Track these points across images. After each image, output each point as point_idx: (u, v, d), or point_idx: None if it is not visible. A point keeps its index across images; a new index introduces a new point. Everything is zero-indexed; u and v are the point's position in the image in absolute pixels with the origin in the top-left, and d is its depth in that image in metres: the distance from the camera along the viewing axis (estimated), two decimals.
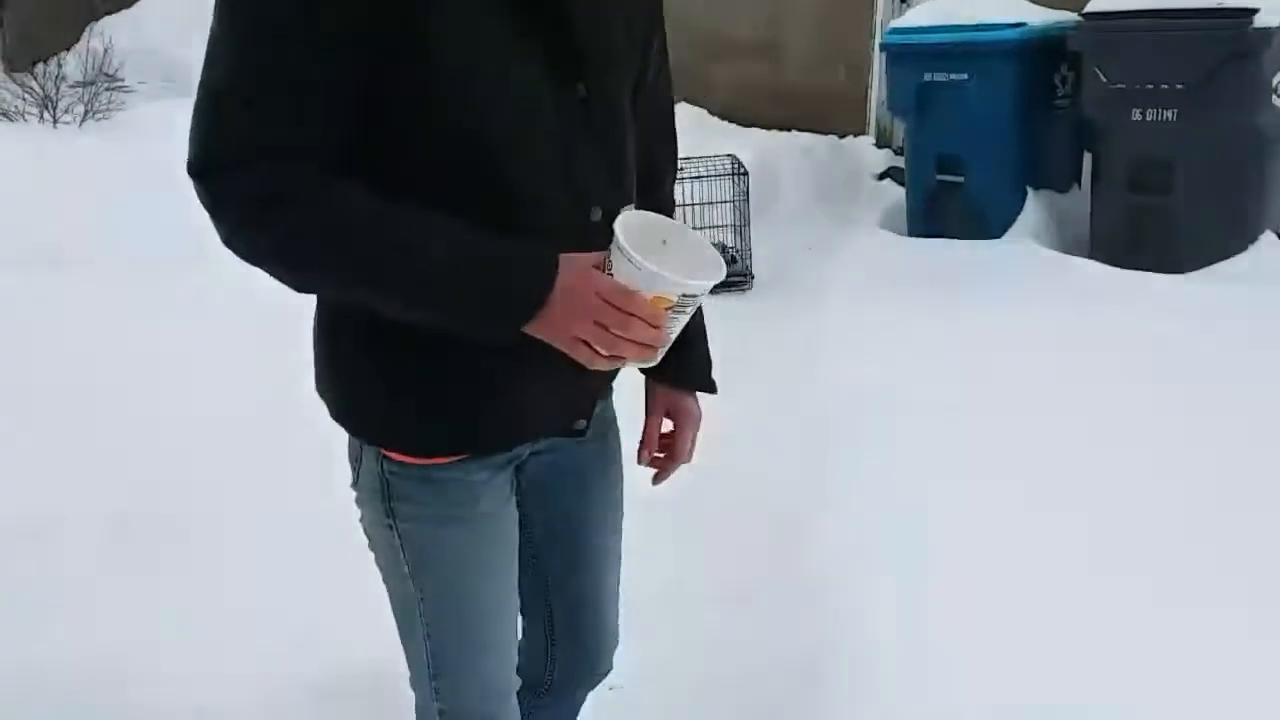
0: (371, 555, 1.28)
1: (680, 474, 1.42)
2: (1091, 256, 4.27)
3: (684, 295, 1.03)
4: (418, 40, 1.02)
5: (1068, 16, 4.36)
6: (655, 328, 1.03)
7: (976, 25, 4.33)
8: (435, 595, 1.26)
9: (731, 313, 4.29)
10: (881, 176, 6.18)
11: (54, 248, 4.32)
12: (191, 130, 1.05)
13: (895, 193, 6.00)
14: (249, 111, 1.02)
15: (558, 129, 1.12)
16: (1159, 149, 3.95)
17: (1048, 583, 2.18)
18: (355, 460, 1.24)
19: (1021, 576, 2.20)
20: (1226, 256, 3.94)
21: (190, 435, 3.01)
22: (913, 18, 4.60)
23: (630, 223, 1.04)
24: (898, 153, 6.30)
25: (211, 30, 1.04)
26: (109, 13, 12.04)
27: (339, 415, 1.23)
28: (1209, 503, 2.42)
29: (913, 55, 4.55)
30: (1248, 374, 3.02)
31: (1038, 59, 4.36)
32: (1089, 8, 4.09)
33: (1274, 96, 3.74)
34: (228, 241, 1.04)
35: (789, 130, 6.47)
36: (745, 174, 4.80)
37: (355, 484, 1.25)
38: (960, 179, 4.61)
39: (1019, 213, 4.52)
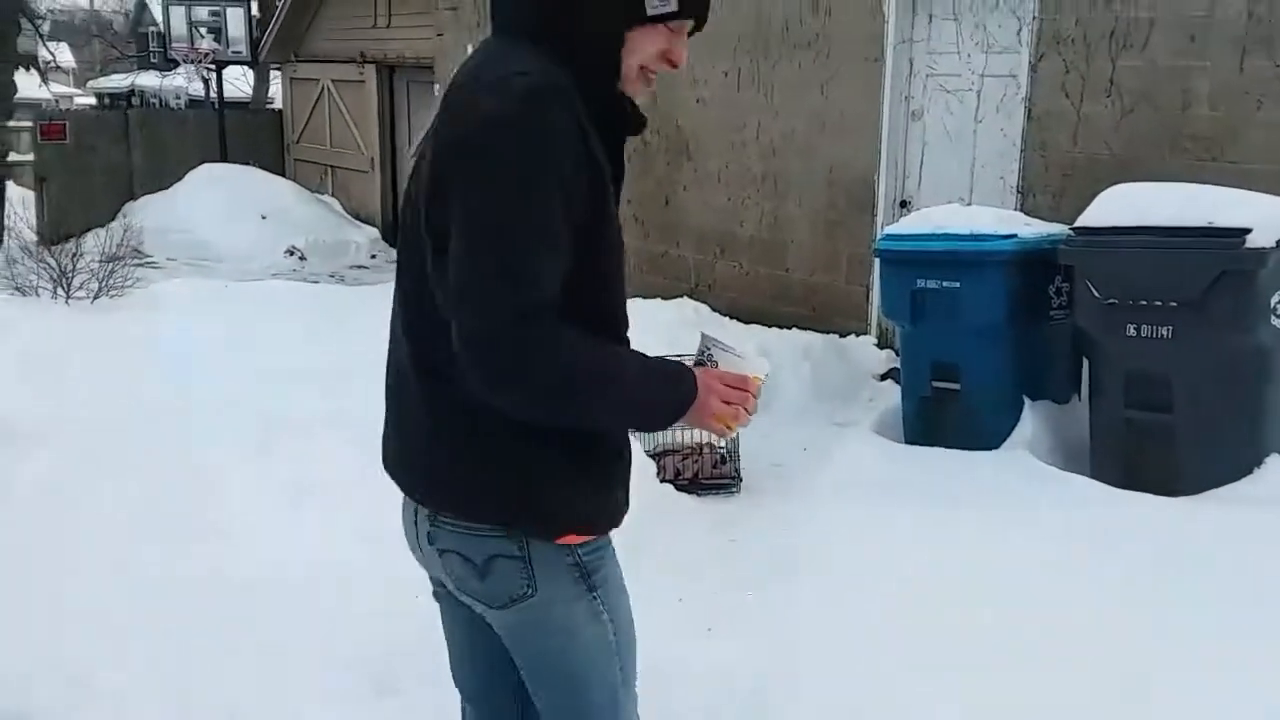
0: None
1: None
2: (1092, 471, 4.09)
3: (767, 374, 1.57)
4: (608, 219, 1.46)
5: (1060, 229, 4.33)
6: (756, 398, 1.52)
7: (969, 235, 4.30)
8: (624, 624, 1.59)
9: (717, 516, 4.16)
10: (884, 377, 6.09)
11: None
12: (481, 297, 1.33)
13: (895, 396, 5.91)
14: (540, 275, 1.35)
15: None
16: (1155, 365, 3.82)
17: None
18: (524, 580, 1.48)
19: None
20: (1231, 479, 3.74)
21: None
22: (906, 225, 4.59)
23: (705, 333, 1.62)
24: (898, 353, 6.24)
25: (481, 209, 1.35)
26: (147, 192, 12.46)
27: (518, 518, 1.47)
28: None
29: (906, 262, 4.52)
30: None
31: (1031, 270, 4.31)
32: (1080, 221, 4.05)
33: (1273, 317, 3.63)
34: (518, 385, 1.35)
35: (791, 328, 6.44)
36: None
37: (529, 596, 1.49)
38: (956, 386, 4.49)
39: (1015, 423, 4.38)
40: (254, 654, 2.80)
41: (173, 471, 3.75)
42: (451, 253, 1.36)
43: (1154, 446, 3.87)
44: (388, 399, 1.58)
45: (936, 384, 4.56)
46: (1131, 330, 3.85)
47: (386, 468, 1.60)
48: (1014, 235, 4.25)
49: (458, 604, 1.60)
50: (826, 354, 6.08)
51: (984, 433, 4.39)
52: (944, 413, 4.55)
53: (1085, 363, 4.52)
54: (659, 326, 6.08)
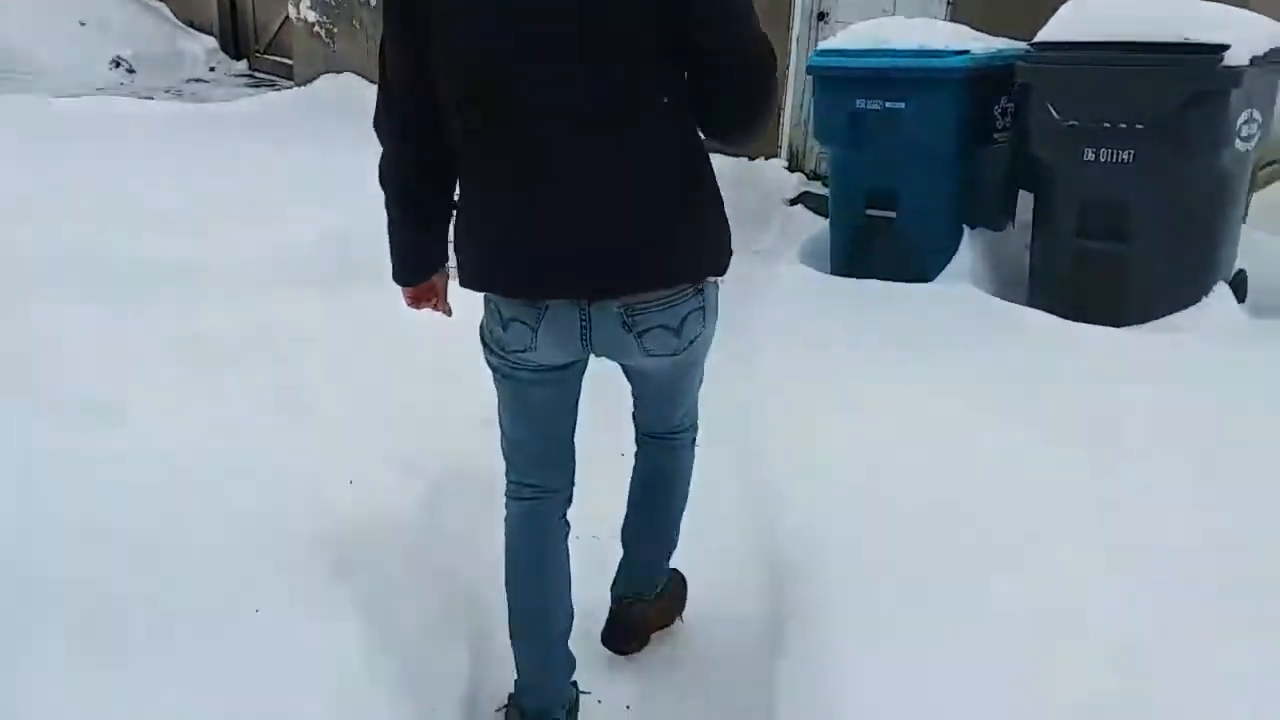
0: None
1: None
2: (1030, 303, 3.96)
3: None
4: None
5: (1013, 45, 4.04)
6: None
7: (918, 51, 3.97)
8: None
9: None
10: (794, 201, 5.83)
11: None
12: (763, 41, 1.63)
13: (810, 221, 5.65)
14: None
15: None
16: (1113, 192, 3.64)
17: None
18: (701, 323, 1.76)
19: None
20: (1178, 309, 3.65)
21: None
22: (846, 39, 4.21)
23: None
24: (810, 176, 5.96)
25: None
26: None
27: (715, 266, 1.75)
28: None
29: (845, 81, 4.17)
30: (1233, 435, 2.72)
31: (981, 90, 4.03)
32: (1041, 36, 3.77)
33: (1237, 139, 3.47)
34: (771, 110, 1.71)
35: None
36: None
37: (702, 332, 1.78)
38: (892, 215, 4.25)
39: (953, 253, 4.18)
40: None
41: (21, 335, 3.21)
42: (710, 15, 1.54)
43: (1104, 277, 3.74)
44: (557, 224, 1.63)
45: (871, 212, 4.31)
46: (1090, 155, 3.64)
47: (539, 285, 1.68)
48: (967, 52, 3.94)
49: (563, 385, 1.86)
50: (736, 178, 5.73)
51: (919, 262, 4.19)
52: (877, 242, 4.31)
53: (1022, 190, 4.35)
54: None
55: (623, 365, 1.90)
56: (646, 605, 2.24)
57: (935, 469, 2.64)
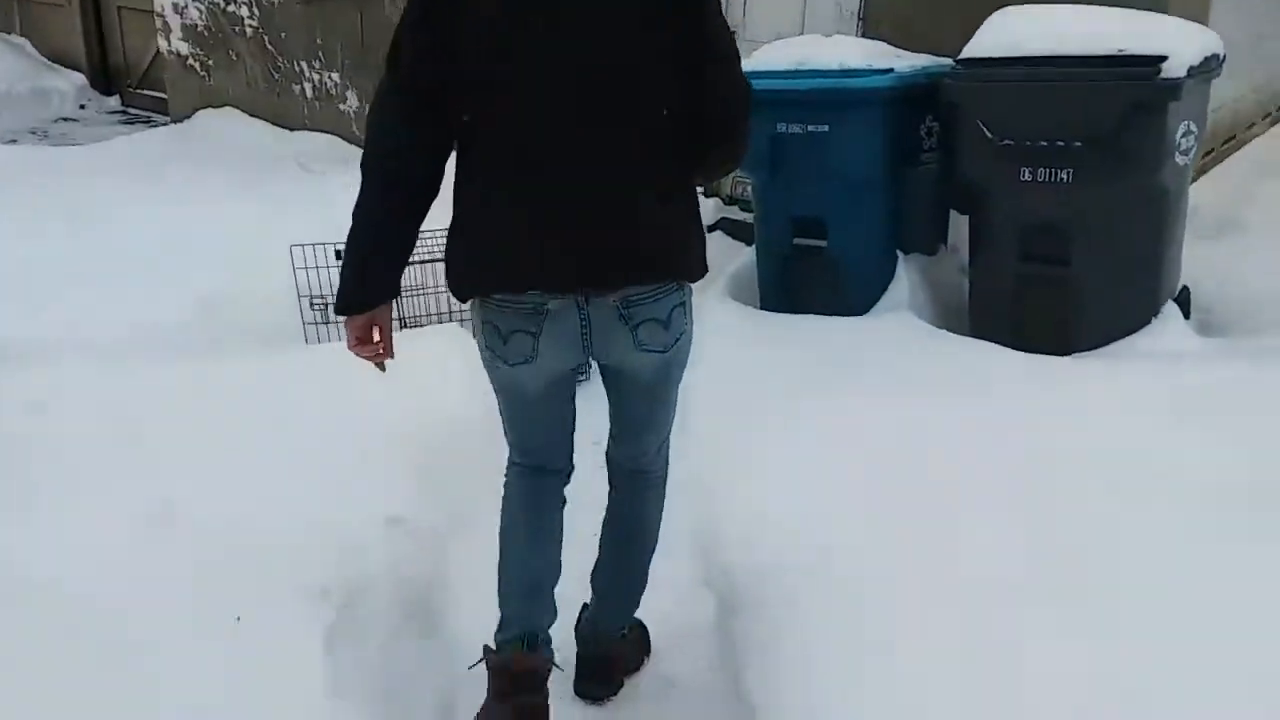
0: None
1: None
2: (973, 332, 3.76)
3: None
4: None
5: (937, 61, 3.85)
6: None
7: (839, 70, 3.74)
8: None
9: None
10: (712, 228, 5.57)
11: None
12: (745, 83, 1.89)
13: (730, 249, 5.40)
14: None
15: None
16: (1052, 213, 3.46)
17: None
18: (686, 320, 1.94)
19: None
20: (1127, 332, 3.48)
21: None
22: (762, 59, 3.97)
23: None
24: (727, 201, 5.72)
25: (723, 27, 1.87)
26: None
27: (698, 267, 1.94)
28: None
29: (764, 104, 3.89)
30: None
31: (906, 109, 3.83)
32: (966, 53, 3.57)
33: (1177, 153, 3.31)
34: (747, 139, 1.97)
35: None
36: None
37: (686, 330, 1.96)
38: (822, 243, 4.01)
39: (888, 281, 3.97)
40: None
41: None
42: (718, 55, 1.76)
43: (1048, 303, 3.55)
44: (560, 214, 1.75)
45: (799, 241, 4.07)
46: (1027, 175, 3.45)
47: (546, 277, 1.79)
48: (890, 70, 3.73)
49: (563, 383, 1.99)
50: None
51: (854, 293, 3.97)
52: (808, 273, 4.08)
53: (955, 212, 4.16)
54: None
55: (610, 379, 2.03)
56: (617, 644, 2.27)
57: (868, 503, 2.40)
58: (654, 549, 2.23)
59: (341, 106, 7.45)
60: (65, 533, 2.31)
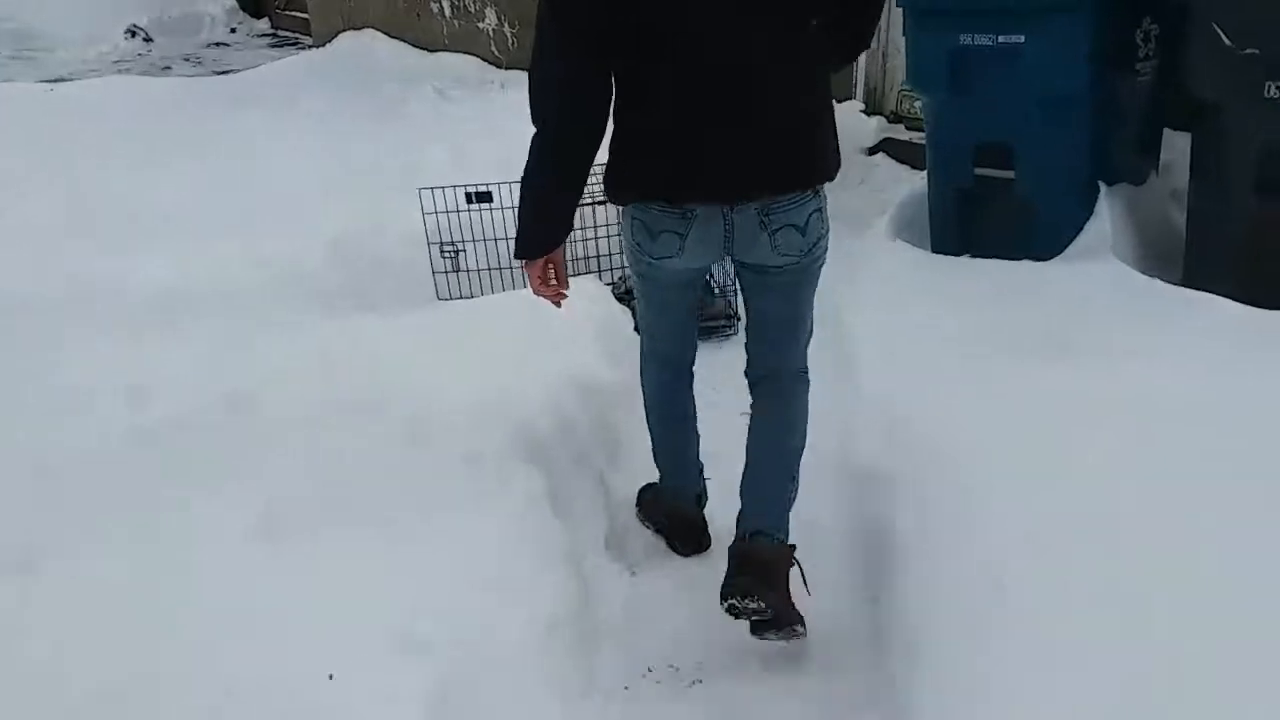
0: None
1: None
2: (1186, 280, 3.19)
3: None
4: None
5: None
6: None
7: None
8: None
9: (715, 371, 3.07)
10: (873, 150, 5.04)
11: None
12: None
13: (896, 175, 4.87)
14: None
15: None
16: None
17: None
18: (823, 225, 2.02)
19: None
20: None
21: None
22: None
23: None
24: (892, 119, 5.15)
25: None
26: None
27: (835, 169, 1.99)
28: None
29: (945, 14, 3.37)
30: None
31: (1119, 13, 3.20)
32: None
33: None
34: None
35: None
36: None
37: (825, 234, 2.04)
38: (1008, 175, 3.46)
39: (1087, 218, 3.40)
40: None
41: None
42: None
43: None
44: (715, 126, 1.85)
45: (981, 172, 3.53)
46: (1274, 91, 2.83)
47: (710, 185, 1.91)
48: None
49: (697, 277, 2.17)
50: None
51: (1046, 233, 3.41)
52: (991, 209, 3.54)
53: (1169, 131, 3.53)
54: None
55: (749, 281, 2.11)
56: (776, 547, 2.09)
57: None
58: (803, 443, 2.23)
59: (480, 25, 7.12)
60: None
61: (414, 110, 5.63)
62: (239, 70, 8.13)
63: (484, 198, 3.79)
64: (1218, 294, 2.93)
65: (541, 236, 1.99)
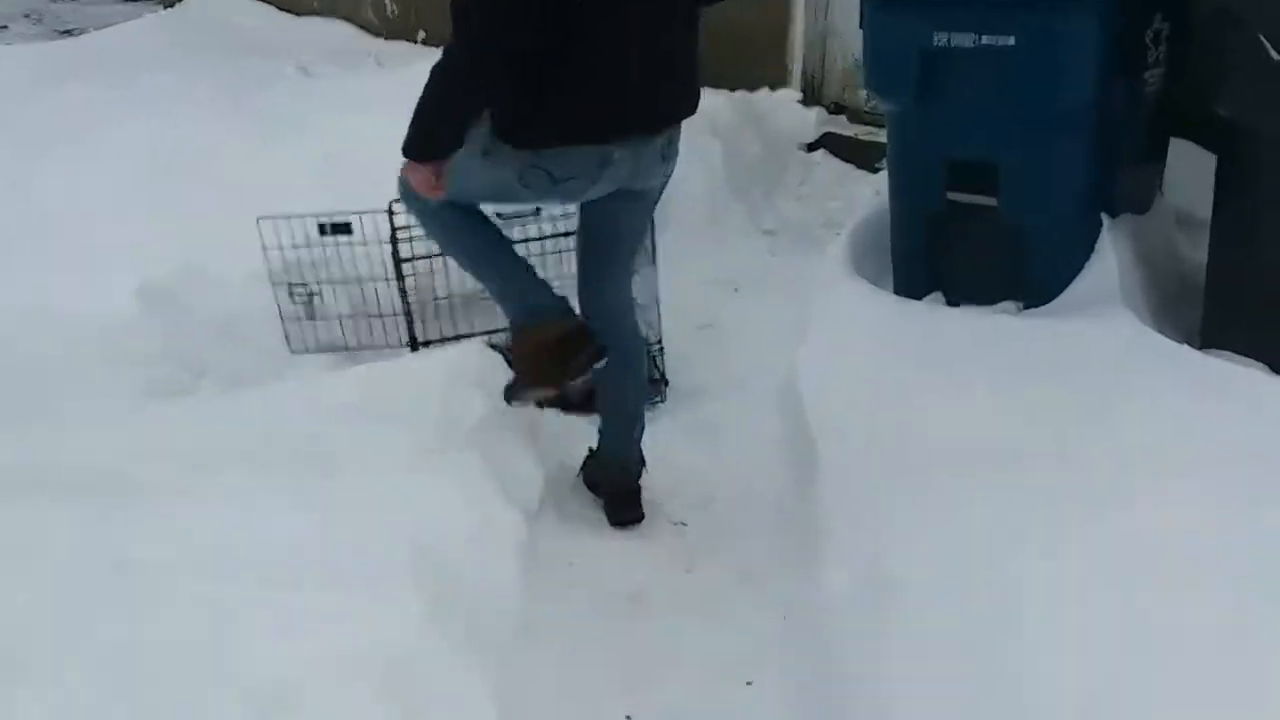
0: None
1: None
2: (1205, 334, 2.64)
3: None
4: None
5: None
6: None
7: None
8: None
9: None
10: (813, 147, 4.38)
11: None
12: None
13: (839, 176, 4.23)
14: None
15: None
16: None
17: None
18: (679, 143, 2.19)
19: None
20: None
21: None
22: None
23: None
24: (833, 110, 4.49)
25: None
26: None
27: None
28: None
29: (914, 5, 2.70)
30: None
31: (1129, 9, 2.58)
32: None
33: None
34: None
35: None
36: None
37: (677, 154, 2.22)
38: (989, 201, 2.83)
39: (1088, 255, 2.80)
40: None
41: None
42: None
43: None
44: (651, 62, 2.00)
45: (955, 196, 2.89)
46: None
47: (642, 123, 2.04)
48: None
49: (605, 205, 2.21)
50: (736, 120, 4.26)
51: (1038, 273, 2.82)
52: (968, 242, 2.92)
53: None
54: None
55: (612, 210, 2.21)
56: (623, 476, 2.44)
57: None
58: (644, 377, 2.53)
59: None
60: None
61: (273, 94, 4.75)
62: (83, 31, 7.11)
63: (341, 229, 3.04)
64: (1240, 353, 2.38)
65: (446, 142, 1.98)
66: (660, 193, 2.27)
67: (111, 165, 3.83)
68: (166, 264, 3.13)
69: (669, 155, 2.14)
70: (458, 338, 2.95)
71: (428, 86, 1.91)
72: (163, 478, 2.03)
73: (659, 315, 2.83)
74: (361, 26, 6.12)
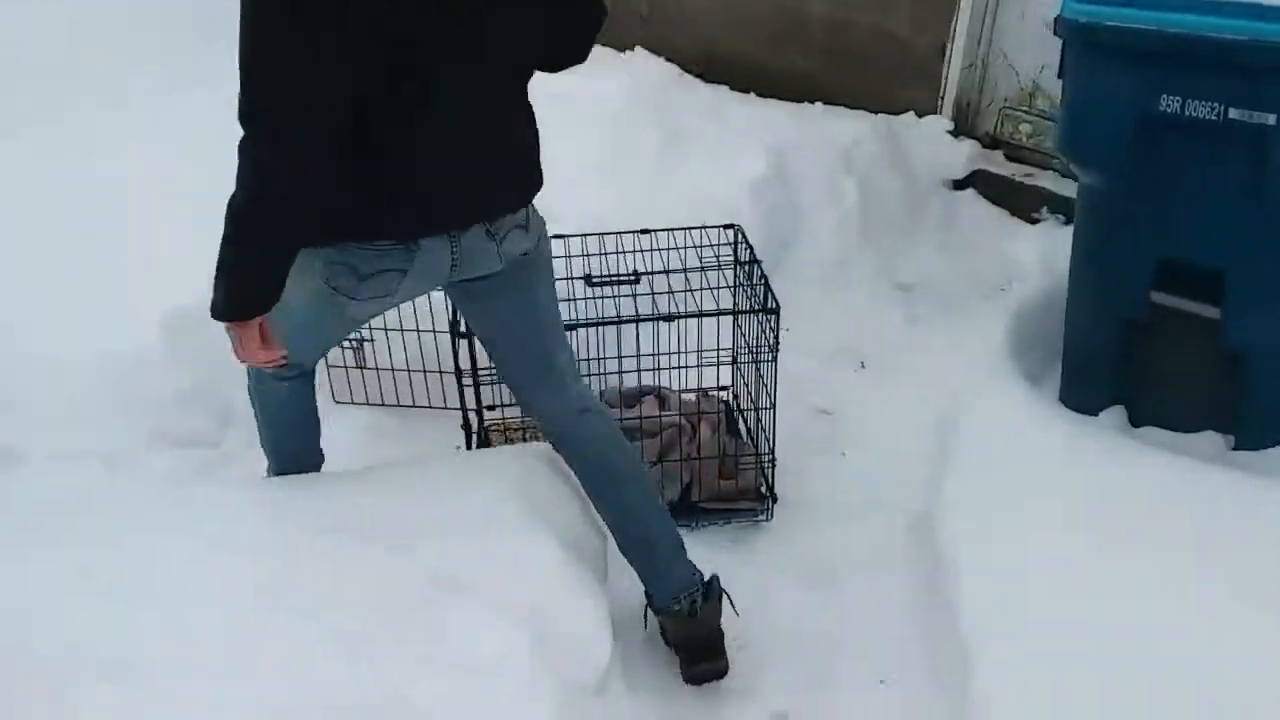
0: None
1: None
2: None
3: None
4: None
5: None
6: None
7: None
8: None
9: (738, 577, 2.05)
10: (961, 184, 3.77)
11: None
12: None
13: (988, 223, 3.62)
14: None
15: None
16: None
17: None
18: (539, 220, 1.88)
19: None
20: None
21: None
22: None
23: None
24: (988, 144, 3.87)
25: None
26: None
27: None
28: None
29: (1140, 55, 2.10)
30: None
31: None
32: None
33: None
34: None
35: (813, 102, 3.96)
36: (753, 262, 2.37)
37: (541, 227, 1.88)
38: (1210, 311, 2.23)
39: None
40: None
41: None
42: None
43: None
44: (462, 171, 1.69)
45: (1161, 298, 2.29)
46: None
47: (449, 222, 1.73)
48: None
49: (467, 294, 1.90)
50: (874, 149, 3.67)
51: (1265, 408, 2.23)
52: (1174, 357, 2.32)
53: None
54: (605, 97, 3.59)
55: (488, 315, 1.94)
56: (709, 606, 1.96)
57: None
58: (649, 483, 2.04)
59: None
60: None
61: None
62: None
63: None
64: None
65: (267, 296, 1.62)
66: (539, 279, 1.91)
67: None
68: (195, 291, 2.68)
69: (500, 235, 1.79)
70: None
71: (224, 229, 1.54)
72: None
73: (773, 416, 2.29)
74: None
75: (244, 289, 1.60)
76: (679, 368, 2.51)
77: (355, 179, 1.61)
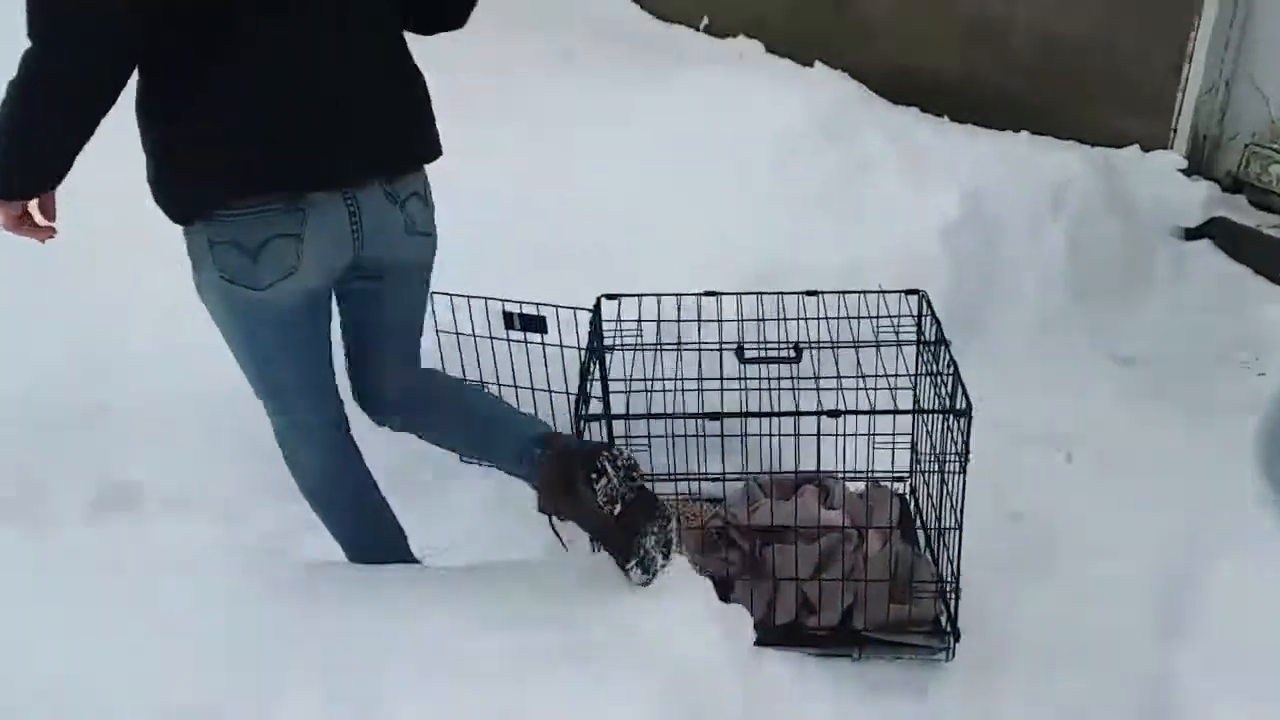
0: None
1: None
2: None
3: None
4: None
5: None
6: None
7: None
8: None
9: None
10: (1194, 234, 3.21)
11: None
12: None
13: (1235, 288, 3.06)
14: None
15: None
16: None
17: None
18: (431, 197, 1.76)
19: None
20: None
21: None
22: None
23: None
24: (1229, 188, 3.29)
25: None
26: None
27: (439, 147, 1.74)
28: None
29: None
30: None
31: None
32: None
33: None
34: None
35: (1017, 131, 3.46)
36: (940, 342, 1.95)
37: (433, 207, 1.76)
38: None
39: None
40: None
41: None
42: None
43: None
44: (337, 114, 1.57)
45: None
46: None
47: (335, 174, 1.59)
48: None
49: (323, 303, 1.73)
50: (1089, 186, 3.15)
51: None
52: None
53: None
54: (773, 119, 3.19)
55: (371, 292, 1.77)
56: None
57: None
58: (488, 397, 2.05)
59: None
60: None
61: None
62: None
63: (534, 325, 2.26)
64: None
65: (42, 176, 1.55)
66: (429, 269, 1.82)
67: None
68: None
69: (402, 198, 1.66)
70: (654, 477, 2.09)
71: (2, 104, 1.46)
72: None
73: (958, 536, 1.85)
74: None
75: (25, 162, 1.52)
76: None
77: (200, 110, 1.50)
